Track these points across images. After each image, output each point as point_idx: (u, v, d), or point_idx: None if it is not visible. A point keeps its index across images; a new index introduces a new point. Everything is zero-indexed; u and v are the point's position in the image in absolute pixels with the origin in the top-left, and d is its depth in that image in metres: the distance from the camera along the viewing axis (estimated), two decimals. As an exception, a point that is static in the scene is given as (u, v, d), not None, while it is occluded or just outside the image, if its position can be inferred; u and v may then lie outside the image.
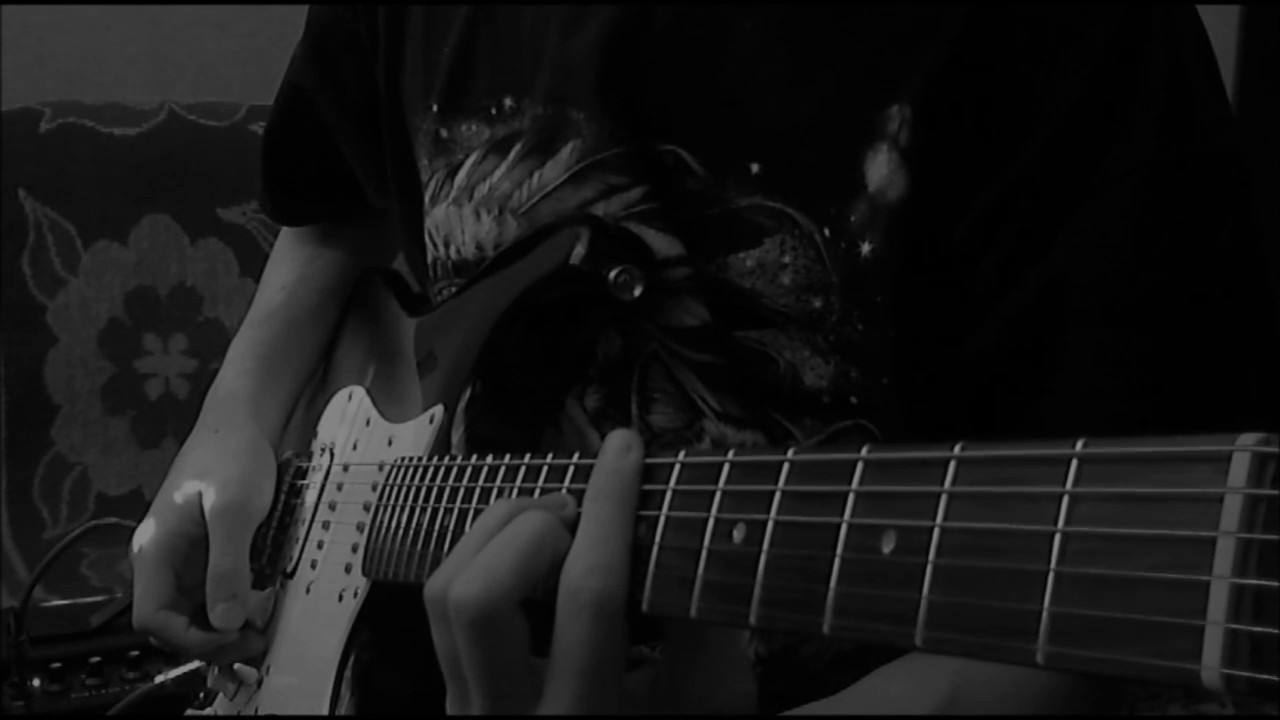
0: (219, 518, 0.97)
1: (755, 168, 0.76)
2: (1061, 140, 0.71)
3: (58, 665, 1.31)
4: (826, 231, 0.75)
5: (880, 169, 0.73)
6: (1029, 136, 0.71)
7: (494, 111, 0.87)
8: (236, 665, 1.01)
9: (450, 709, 0.61)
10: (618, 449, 0.58)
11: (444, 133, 0.90)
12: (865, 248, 0.74)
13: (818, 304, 0.76)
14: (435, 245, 0.93)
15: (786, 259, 0.76)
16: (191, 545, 0.98)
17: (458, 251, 0.90)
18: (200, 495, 0.98)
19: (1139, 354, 0.70)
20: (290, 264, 1.18)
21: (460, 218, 0.89)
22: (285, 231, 1.22)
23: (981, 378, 0.74)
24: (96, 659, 1.32)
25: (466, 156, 0.89)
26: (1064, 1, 0.72)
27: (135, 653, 1.33)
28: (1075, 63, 0.71)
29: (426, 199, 0.93)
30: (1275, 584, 0.32)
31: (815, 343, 0.77)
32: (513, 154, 0.85)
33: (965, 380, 0.75)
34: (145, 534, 0.99)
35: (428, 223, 0.94)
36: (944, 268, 0.74)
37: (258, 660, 1.00)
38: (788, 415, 0.79)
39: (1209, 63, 0.75)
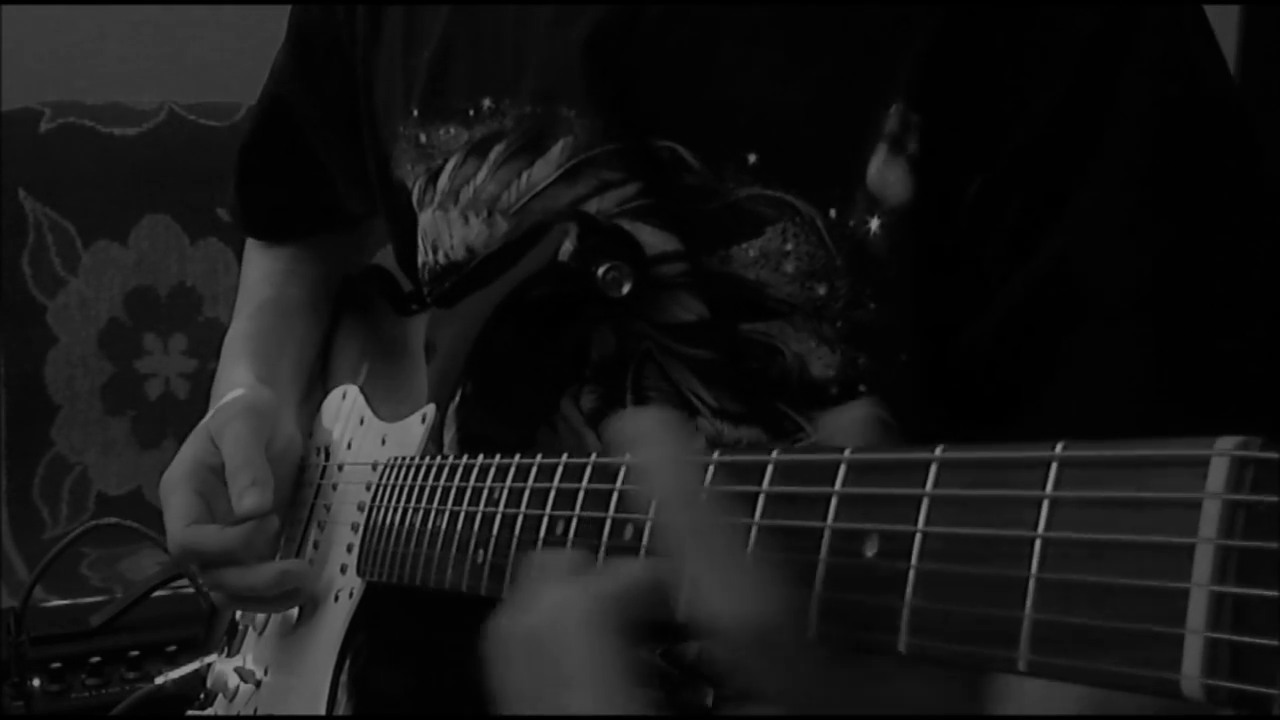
0: (227, 427, 0.93)
1: (752, 158, 0.76)
2: (1061, 110, 0.70)
3: (58, 665, 1.30)
4: (831, 213, 0.74)
5: (880, 167, 0.73)
6: (1026, 111, 0.71)
7: (471, 114, 0.86)
8: (234, 667, 1.00)
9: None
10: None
11: (423, 138, 0.90)
12: (873, 224, 0.73)
13: (822, 290, 0.75)
14: (424, 250, 0.93)
15: (789, 247, 0.75)
16: (216, 473, 0.93)
17: (446, 256, 0.90)
18: (219, 424, 0.95)
19: (1148, 335, 0.69)
20: (274, 259, 1.17)
21: (448, 222, 0.89)
22: None
23: (996, 354, 0.73)
24: (96, 659, 1.32)
25: (446, 160, 0.88)
26: None
27: (135, 653, 1.33)
28: (1068, 34, 0.70)
29: (415, 205, 0.93)
30: (1255, 592, 0.31)
31: (821, 332, 0.76)
32: (493, 155, 0.85)
33: (980, 357, 0.74)
34: (171, 469, 0.96)
35: (418, 229, 0.93)
36: (952, 250, 0.73)
37: (257, 660, 0.99)
38: (796, 407, 0.79)
39: (1204, 26, 0.74)
